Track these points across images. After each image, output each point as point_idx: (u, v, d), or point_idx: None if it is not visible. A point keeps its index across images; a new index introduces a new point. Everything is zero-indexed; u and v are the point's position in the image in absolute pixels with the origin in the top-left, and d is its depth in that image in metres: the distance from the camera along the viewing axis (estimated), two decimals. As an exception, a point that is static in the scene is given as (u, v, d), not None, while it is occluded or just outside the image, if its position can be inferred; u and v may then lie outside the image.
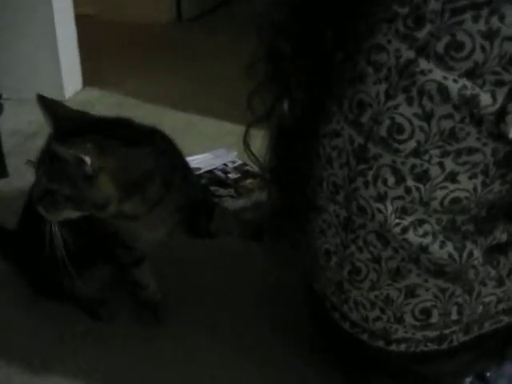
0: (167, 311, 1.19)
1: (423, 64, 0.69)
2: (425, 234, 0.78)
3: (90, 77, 2.37)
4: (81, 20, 2.34)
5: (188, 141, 1.71)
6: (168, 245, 1.18)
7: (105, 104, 2.20)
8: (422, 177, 0.74)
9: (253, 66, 0.86)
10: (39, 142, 1.00)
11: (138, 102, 2.20)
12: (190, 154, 1.69)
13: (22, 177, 1.19)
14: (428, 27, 0.69)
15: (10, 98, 1.93)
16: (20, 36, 2.18)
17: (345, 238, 0.85)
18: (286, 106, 0.85)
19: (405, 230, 0.78)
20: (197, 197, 1.14)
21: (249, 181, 1.65)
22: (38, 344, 1.15)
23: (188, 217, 1.11)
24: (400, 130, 0.73)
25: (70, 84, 2.29)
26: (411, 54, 0.70)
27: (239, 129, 0.95)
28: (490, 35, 0.65)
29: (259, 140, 0.94)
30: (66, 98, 2.25)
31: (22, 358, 1.11)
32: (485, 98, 0.67)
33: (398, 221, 0.78)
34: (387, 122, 0.73)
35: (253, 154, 0.95)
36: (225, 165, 1.74)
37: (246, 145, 0.95)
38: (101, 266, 1.16)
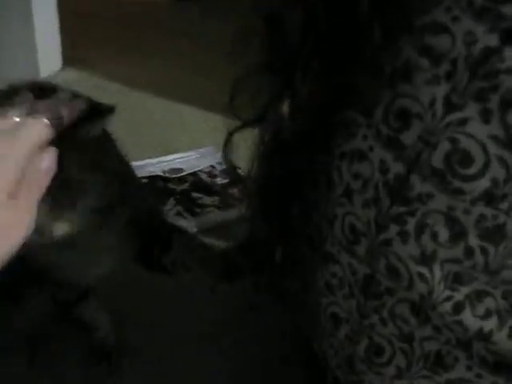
0: (122, 358, 0.95)
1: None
2: (487, 315, 0.52)
3: (70, 56, 2.15)
4: None
5: (172, 135, 1.45)
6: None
7: (84, 87, 1.96)
8: (494, 235, 0.48)
9: (243, 43, 0.59)
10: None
11: (121, 86, 1.97)
12: (172, 152, 1.47)
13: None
14: None
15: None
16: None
17: (363, 303, 0.59)
18: (286, 107, 0.59)
19: (458, 308, 0.52)
20: (151, 213, 0.87)
21: (238, 188, 1.41)
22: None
23: (138, 241, 0.85)
24: (466, 159, 0.46)
25: (47, 63, 2.07)
26: (493, 40, 0.44)
27: (232, 124, 0.69)
28: None
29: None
30: (42, 78, 1.98)
31: None
32: None
33: (448, 293, 0.52)
34: (446, 146, 0.47)
35: (234, 168, 0.72)
36: (211, 166, 1.49)
37: (227, 155, 0.70)
38: (32, 299, 0.91)
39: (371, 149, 0.53)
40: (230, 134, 0.66)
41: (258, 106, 0.63)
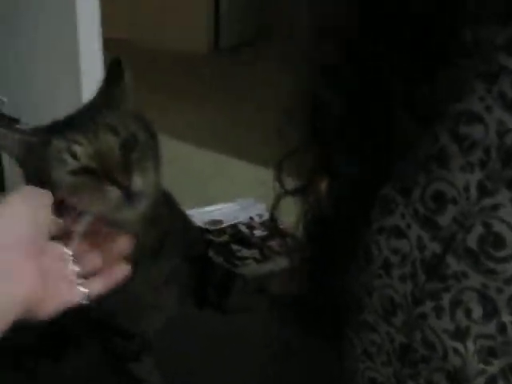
0: None
1: None
2: None
3: None
4: (113, 44, 2.18)
5: (213, 186, 1.48)
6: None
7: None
8: None
9: (287, 119, 0.63)
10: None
11: (164, 137, 2.01)
12: (213, 203, 1.49)
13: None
14: None
15: (28, 123, 1.77)
16: (42, 61, 2.01)
17: (400, 370, 0.61)
18: (323, 184, 0.62)
19: (492, 382, 0.54)
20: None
21: (277, 241, 1.42)
22: None
23: (197, 283, 0.89)
24: (499, 242, 0.49)
25: None
26: None
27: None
28: None
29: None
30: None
31: None
32: None
33: (482, 366, 0.53)
34: (479, 229, 0.50)
35: (280, 233, 0.73)
36: (251, 218, 1.50)
37: (273, 220, 0.73)
38: (81, 351, 0.93)
39: (409, 226, 0.55)
40: (277, 201, 0.69)
41: (301, 178, 0.66)
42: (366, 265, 0.61)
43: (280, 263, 1.32)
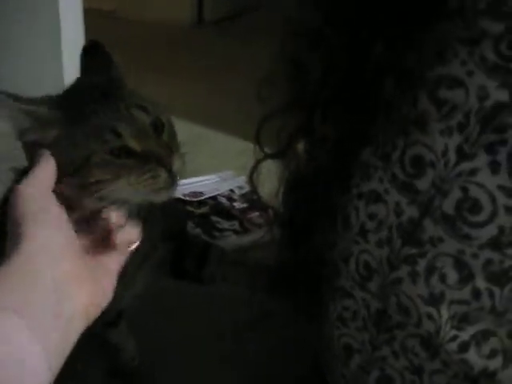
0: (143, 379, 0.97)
1: None
2: (492, 354, 0.54)
3: None
4: (94, 15, 2.16)
5: (193, 158, 1.47)
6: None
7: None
8: (501, 278, 0.50)
9: (269, 84, 0.63)
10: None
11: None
12: (194, 175, 1.48)
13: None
14: None
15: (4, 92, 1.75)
16: (23, 33, 1.99)
17: (376, 336, 0.62)
18: (302, 145, 0.62)
19: (464, 348, 0.54)
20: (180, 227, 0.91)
21: (257, 213, 1.42)
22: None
23: (172, 254, 0.89)
24: (476, 207, 0.49)
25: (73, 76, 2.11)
26: (503, 96, 0.47)
27: (255, 152, 0.72)
28: None
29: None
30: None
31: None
32: None
33: (454, 332, 0.54)
34: (457, 194, 0.50)
35: (258, 195, 0.75)
36: (231, 191, 1.50)
37: (252, 183, 0.73)
38: None
39: (387, 191, 0.55)
40: (256, 164, 0.69)
41: (281, 142, 0.66)
42: (344, 231, 0.61)
43: (259, 235, 1.32)
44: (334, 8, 0.55)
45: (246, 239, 1.33)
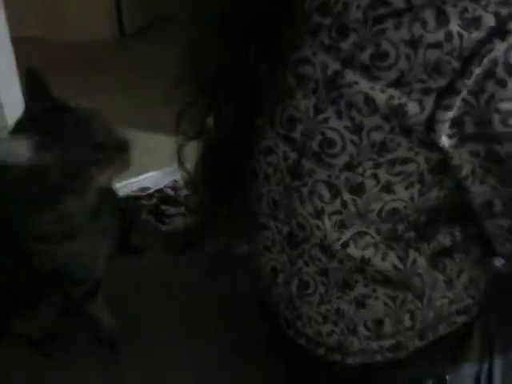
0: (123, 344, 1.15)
1: (349, 76, 0.67)
2: (366, 247, 0.77)
3: None
4: (22, 42, 2.29)
5: (137, 159, 1.66)
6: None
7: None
8: (358, 190, 0.72)
9: (178, 86, 0.84)
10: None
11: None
12: (139, 173, 1.66)
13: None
14: (352, 37, 0.67)
15: None
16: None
17: (291, 253, 0.83)
18: (213, 123, 0.84)
19: (345, 245, 0.76)
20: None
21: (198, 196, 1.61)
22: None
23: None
24: (331, 144, 0.71)
25: (12, 110, 2.20)
26: (337, 66, 0.68)
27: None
28: (413, 43, 0.63)
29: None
30: (8, 123, 2.17)
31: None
32: (412, 107, 0.65)
33: (337, 235, 0.76)
34: (319, 137, 0.72)
35: (187, 172, 0.94)
36: (175, 181, 1.70)
37: (181, 164, 0.93)
38: (48, 301, 1.11)
39: (276, 145, 0.77)
40: (180, 147, 0.90)
41: (196, 125, 0.87)
42: (254, 180, 0.83)
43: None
44: (215, 21, 0.76)
45: (191, 220, 1.53)
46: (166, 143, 1.93)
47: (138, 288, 1.26)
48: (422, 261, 0.78)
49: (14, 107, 2.22)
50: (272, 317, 0.96)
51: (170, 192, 1.66)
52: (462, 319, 0.86)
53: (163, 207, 1.60)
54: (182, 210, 1.59)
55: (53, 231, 0.95)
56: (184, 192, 1.64)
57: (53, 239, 0.96)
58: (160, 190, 1.66)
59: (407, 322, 0.83)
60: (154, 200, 1.62)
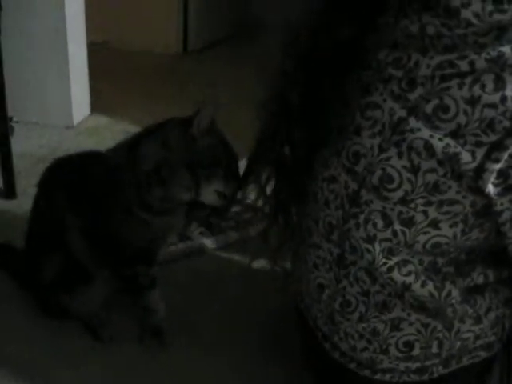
0: (171, 337, 1.25)
1: (413, 123, 0.77)
2: (408, 274, 0.86)
3: (98, 104, 2.44)
4: (91, 47, 2.41)
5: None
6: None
7: (111, 131, 2.26)
8: (408, 222, 0.82)
9: (262, 111, 0.95)
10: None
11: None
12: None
13: (30, 198, 1.26)
14: (419, 90, 0.78)
15: (20, 120, 2.01)
16: (32, 61, 2.24)
17: (338, 273, 0.93)
18: (287, 150, 0.94)
19: (390, 269, 0.86)
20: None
21: (249, 214, 1.69)
22: (40, 356, 1.21)
23: None
24: (390, 180, 0.81)
25: (79, 110, 2.36)
26: (403, 113, 0.79)
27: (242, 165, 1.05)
28: (473, 101, 0.74)
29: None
30: (75, 123, 2.31)
31: (22, 369, 1.17)
32: (465, 156, 0.74)
33: (384, 260, 0.86)
34: (379, 172, 0.82)
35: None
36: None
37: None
38: (98, 284, 1.22)
39: (339, 175, 0.88)
40: (250, 168, 1.01)
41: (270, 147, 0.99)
42: (315, 204, 0.93)
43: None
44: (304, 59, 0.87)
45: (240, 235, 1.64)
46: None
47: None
48: (455, 293, 0.87)
49: (82, 108, 2.39)
50: (308, 332, 1.05)
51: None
52: (484, 354, 0.94)
53: (214, 220, 1.70)
54: (232, 224, 1.69)
55: (159, 205, 1.14)
56: (235, 208, 1.72)
57: (156, 212, 1.15)
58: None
59: (435, 349, 0.91)
60: (207, 211, 1.70)
